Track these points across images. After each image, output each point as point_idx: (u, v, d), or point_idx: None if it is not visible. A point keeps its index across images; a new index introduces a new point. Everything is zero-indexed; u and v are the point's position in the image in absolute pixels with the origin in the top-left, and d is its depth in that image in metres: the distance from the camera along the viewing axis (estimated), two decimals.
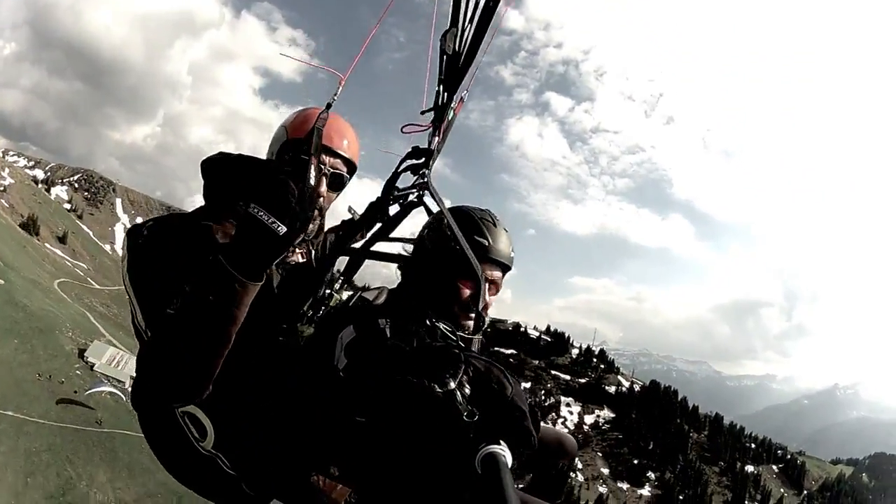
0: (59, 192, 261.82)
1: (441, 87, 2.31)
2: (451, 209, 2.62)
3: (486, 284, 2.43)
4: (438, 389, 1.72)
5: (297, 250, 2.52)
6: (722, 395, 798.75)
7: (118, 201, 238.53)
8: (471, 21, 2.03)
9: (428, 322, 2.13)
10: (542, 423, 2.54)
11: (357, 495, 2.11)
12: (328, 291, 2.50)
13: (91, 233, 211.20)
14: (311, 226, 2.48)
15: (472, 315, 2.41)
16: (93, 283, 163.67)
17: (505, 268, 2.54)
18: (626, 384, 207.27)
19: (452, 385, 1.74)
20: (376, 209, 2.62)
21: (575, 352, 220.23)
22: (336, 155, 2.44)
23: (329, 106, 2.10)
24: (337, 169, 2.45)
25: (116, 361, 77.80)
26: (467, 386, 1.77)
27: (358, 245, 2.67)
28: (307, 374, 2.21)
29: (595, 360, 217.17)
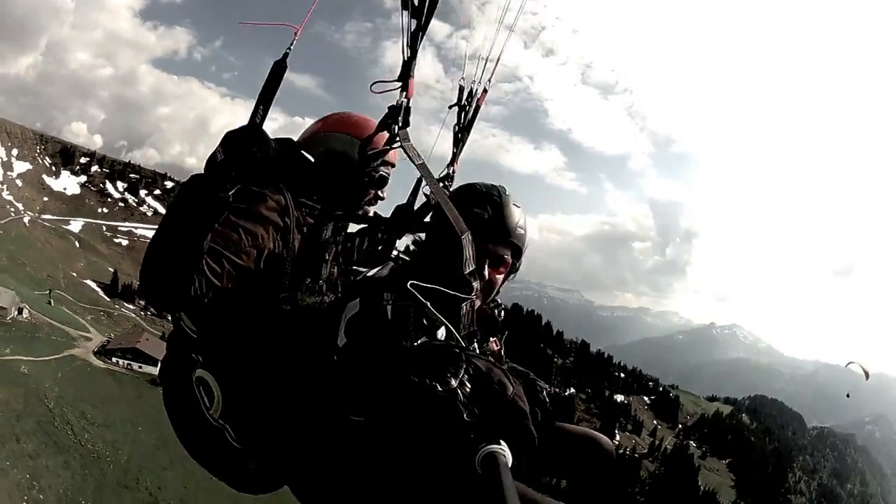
0: None
1: (405, 40, 2.47)
2: (458, 186, 2.83)
3: (487, 259, 2.45)
4: (440, 388, 1.69)
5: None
6: (594, 324, 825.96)
7: None
8: None
9: (427, 322, 2.09)
10: (572, 424, 2.93)
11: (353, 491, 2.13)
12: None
13: None
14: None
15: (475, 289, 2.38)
16: None
17: (510, 243, 2.51)
18: None
19: (454, 384, 1.71)
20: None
21: None
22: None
23: (286, 55, 2.20)
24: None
25: None
26: (468, 385, 1.75)
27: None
28: (306, 353, 2.24)
29: None
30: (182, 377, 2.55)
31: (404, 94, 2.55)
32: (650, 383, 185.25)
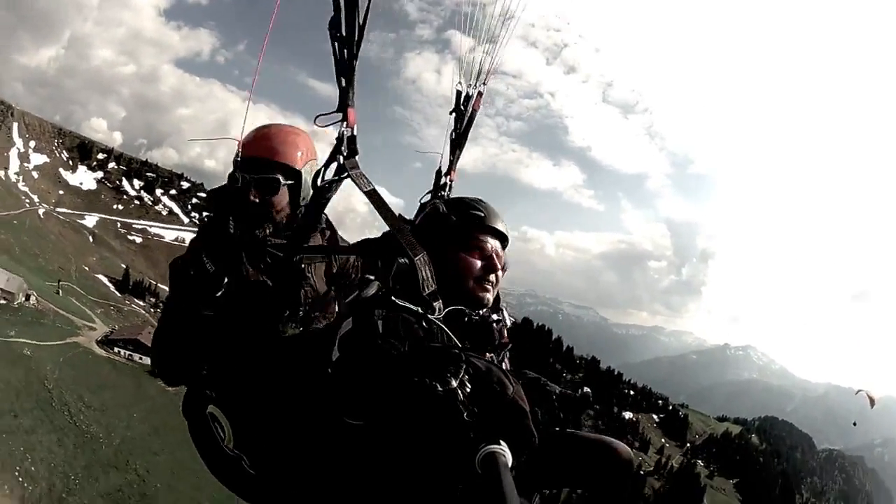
0: None
1: (337, 74, 2.58)
2: (446, 200, 3.02)
3: (495, 255, 2.52)
4: (440, 388, 1.70)
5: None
6: (608, 341, 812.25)
7: (15, 126, 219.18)
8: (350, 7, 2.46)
9: (425, 323, 2.13)
10: (587, 432, 2.82)
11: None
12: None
13: None
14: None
15: (489, 282, 2.50)
16: None
17: (503, 238, 2.60)
18: None
19: (454, 384, 1.71)
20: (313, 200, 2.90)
21: None
22: (259, 166, 2.80)
23: (235, 166, 2.67)
24: (263, 174, 2.80)
25: None
26: (468, 385, 1.75)
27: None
28: (298, 371, 2.39)
29: None
30: (199, 412, 2.69)
31: (345, 123, 2.62)
32: (660, 402, 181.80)
